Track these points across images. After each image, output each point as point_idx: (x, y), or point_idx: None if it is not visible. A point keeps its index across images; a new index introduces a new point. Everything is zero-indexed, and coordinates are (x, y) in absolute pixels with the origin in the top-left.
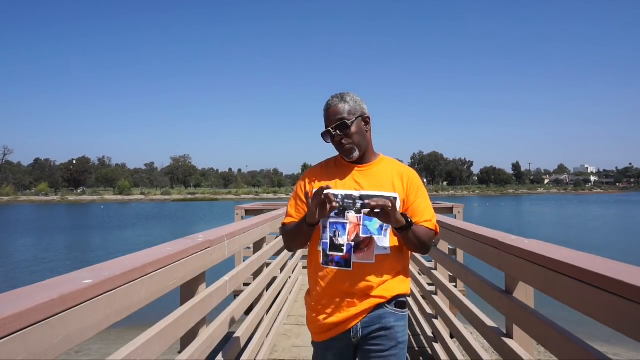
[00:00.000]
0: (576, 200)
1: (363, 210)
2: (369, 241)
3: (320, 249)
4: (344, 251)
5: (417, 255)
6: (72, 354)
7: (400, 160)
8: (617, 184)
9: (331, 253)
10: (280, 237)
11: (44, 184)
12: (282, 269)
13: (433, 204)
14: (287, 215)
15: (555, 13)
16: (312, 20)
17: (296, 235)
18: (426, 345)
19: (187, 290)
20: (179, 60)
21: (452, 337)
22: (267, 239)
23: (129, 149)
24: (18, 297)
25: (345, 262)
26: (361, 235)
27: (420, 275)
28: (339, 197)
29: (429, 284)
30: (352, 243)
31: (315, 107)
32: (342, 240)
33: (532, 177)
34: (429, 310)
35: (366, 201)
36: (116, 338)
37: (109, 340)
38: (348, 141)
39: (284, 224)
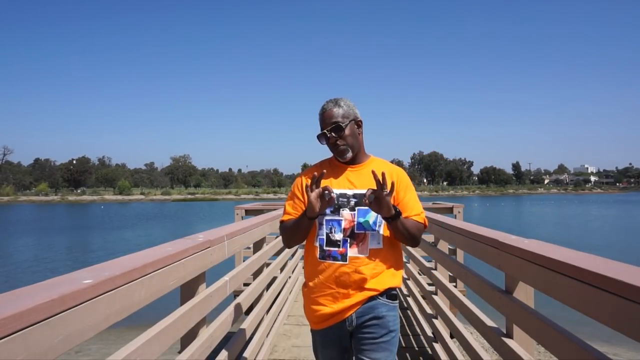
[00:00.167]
0: (576, 200)
1: (357, 208)
2: (363, 236)
3: (317, 244)
4: (340, 246)
5: (417, 255)
6: (72, 354)
7: (400, 161)
8: (617, 184)
9: (328, 248)
10: (280, 237)
11: (44, 184)
12: (282, 269)
13: (433, 204)
14: (285, 213)
15: (555, 13)
16: (312, 20)
17: (296, 231)
18: (426, 345)
19: (187, 290)
20: (179, 60)
21: (452, 337)
22: (267, 239)
23: (129, 149)
24: (18, 297)
25: (342, 256)
26: (356, 231)
27: (420, 275)
28: (335, 192)
29: (429, 284)
30: (348, 238)
31: (315, 107)
32: (338, 236)
33: (532, 177)
34: (429, 310)
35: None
36: (116, 338)
37: (109, 340)
38: (342, 143)
39: (282, 221)
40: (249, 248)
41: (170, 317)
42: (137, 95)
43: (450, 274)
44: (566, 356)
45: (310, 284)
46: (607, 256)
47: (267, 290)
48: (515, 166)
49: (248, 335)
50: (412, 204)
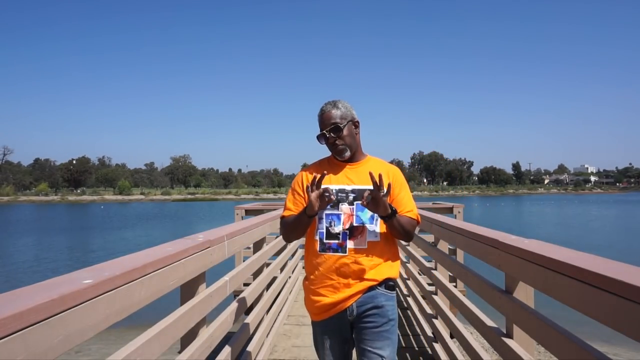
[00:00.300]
0: (576, 200)
1: (356, 203)
2: (362, 229)
3: (318, 238)
4: (340, 239)
5: (417, 255)
6: (72, 354)
7: (400, 161)
8: (617, 184)
9: (328, 241)
10: (280, 237)
11: (44, 184)
12: (282, 269)
13: (433, 204)
14: (286, 208)
15: (555, 13)
16: (312, 20)
17: (295, 227)
18: (426, 345)
19: (187, 290)
20: (179, 60)
21: (452, 337)
22: (267, 239)
23: (129, 149)
24: (18, 297)
25: (342, 248)
26: (354, 224)
27: (420, 275)
28: (334, 191)
29: (429, 284)
30: (347, 231)
31: (315, 107)
32: (338, 229)
33: (532, 177)
34: (429, 310)
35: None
36: (116, 338)
37: (109, 340)
38: (341, 142)
39: (283, 217)
40: (249, 248)
41: (170, 317)
42: (137, 95)
43: (450, 274)
44: (566, 356)
45: (311, 276)
46: (607, 256)
47: (267, 290)
48: (515, 166)
49: (248, 335)
50: (405, 201)
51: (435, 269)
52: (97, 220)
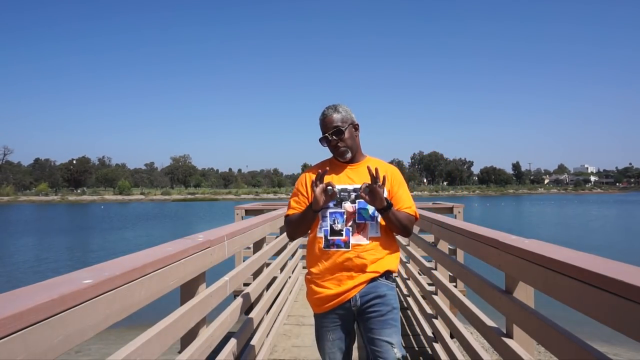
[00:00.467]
0: (576, 200)
1: (357, 201)
2: (364, 226)
3: (322, 235)
4: (343, 235)
5: (417, 255)
6: (72, 354)
7: (400, 161)
8: (617, 184)
9: (332, 237)
10: (281, 237)
11: (44, 184)
12: (282, 269)
13: (433, 204)
14: (290, 208)
15: (555, 13)
16: (312, 20)
17: (300, 223)
18: (426, 345)
19: (187, 290)
20: (179, 60)
21: (452, 337)
22: (267, 239)
23: (129, 149)
24: (18, 297)
25: (345, 244)
26: (357, 221)
27: (420, 275)
28: (336, 190)
29: (429, 284)
30: (350, 228)
31: (315, 107)
32: (341, 226)
33: (532, 177)
34: (429, 310)
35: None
36: (116, 338)
37: (109, 340)
38: (342, 145)
39: (287, 215)
40: (249, 248)
41: (170, 317)
42: (137, 95)
43: (451, 274)
44: (566, 356)
45: (315, 270)
46: (607, 256)
47: (267, 290)
48: (515, 166)
49: (248, 335)
50: (404, 198)
51: (435, 269)
52: (97, 221)
